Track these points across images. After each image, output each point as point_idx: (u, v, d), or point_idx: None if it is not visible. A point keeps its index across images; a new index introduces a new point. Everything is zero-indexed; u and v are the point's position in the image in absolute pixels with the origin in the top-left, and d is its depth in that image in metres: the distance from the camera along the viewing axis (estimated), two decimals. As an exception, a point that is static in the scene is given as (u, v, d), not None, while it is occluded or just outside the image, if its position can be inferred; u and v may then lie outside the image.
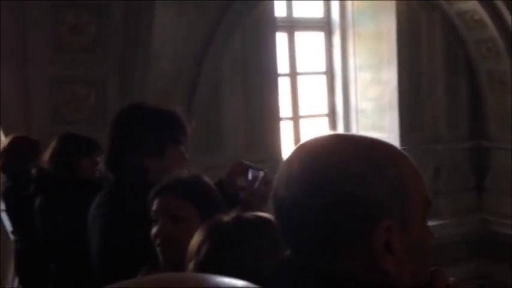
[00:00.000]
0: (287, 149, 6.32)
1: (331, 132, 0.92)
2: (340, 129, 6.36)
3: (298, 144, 0.88)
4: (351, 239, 0.80)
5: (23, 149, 3.45)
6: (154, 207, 1.51)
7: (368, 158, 0.82)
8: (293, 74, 6.35)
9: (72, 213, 2.59)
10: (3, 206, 4.48)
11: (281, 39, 6.01)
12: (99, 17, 3.71)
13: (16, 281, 4.69)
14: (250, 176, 1.88)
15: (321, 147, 0.85)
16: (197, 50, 4.62)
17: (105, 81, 3.96)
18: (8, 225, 4.14)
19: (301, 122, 6.51)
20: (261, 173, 1.88)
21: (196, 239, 1.18)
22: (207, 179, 1.59)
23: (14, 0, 3.51)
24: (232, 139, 5.71)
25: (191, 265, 1.14)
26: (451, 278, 0.88)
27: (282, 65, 6.06)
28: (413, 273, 0.82)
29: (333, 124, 6.51)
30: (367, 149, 0.84)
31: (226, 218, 1.22)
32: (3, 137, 3.99)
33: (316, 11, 6.38)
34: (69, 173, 2.72)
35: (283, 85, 6.15)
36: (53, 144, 2.80)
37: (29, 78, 3.75)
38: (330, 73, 6.46)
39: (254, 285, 0.48)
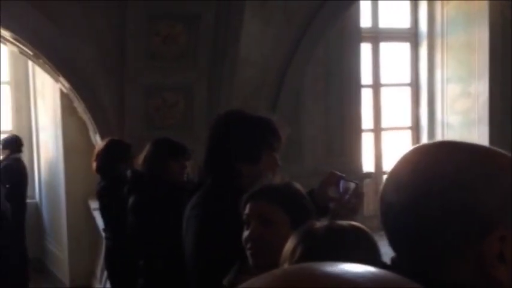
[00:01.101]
0: (367, 161, 6.22)
1: (445, 139, 0.91)
2: (425, 143, 6.17)
3: (410, 149, 0.88)
4: (460, 247, 0.79)
5: (116, 151, 3.65)
6: (246, 211, 1.55)
7: (482, 167, 0.81)
8: (376, 85, 6.26)
9: (162, 212, 2.72)
10: (97, 205, 4.74)
11: (365, 49, 5.95)
12: (190, 28, 3.86)
13: (104, 276, 4.94)
14: (341, 187, 1.88)
15: (433, 154, 0.85)
16: (282, 59, 4.68)
17: (193, 88, 4.10)
18: (100, 223, 4.39)
19: (383, 134, 6.39)
20: (353, 185, 1.87)
21: (290, 242, 1.20)
22: (298, 186, 1.60)
23: (114, 13, 3.74)
24: (311, 149, 5.71)
25: (285, 266, 1.16)
26: None
27: (365, 75, 6.00)
28: None
29: (417, 137, 6.33)
30: (481, 157, 0.83)
31: (321, 223, 1.23)
32: (99, 140, 4.24)
33: (402, 22, 6.27)
34: (160, 175, 2.84)
35: (366, 96, 6.08)
36: (146, 148, 2.94)
37: (124, 85, 3.97)
38: (415, 85, 6.30)
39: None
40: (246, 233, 1.54)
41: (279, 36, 4.52)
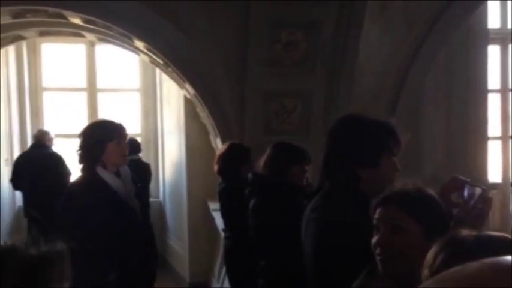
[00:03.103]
0: (493, 170, 5.83)
1: None
2: (561, 152, 5.65)
3: None
4: None
5: (237, 155, 3.79)
6: (376, 215, 1.52)
7: None
8: (505, 90, 5.87)
9: (282, 215, 2.78)
10: (215, 206, 4.94)
11: (493, 52, 5.61)
12: (310, 35, 3.91)
13: (222, 274, 5.14)
14: (466, 192, 1.80)
15: None
16: (402, 64, 4.57)
17: (312, 94, 4.14)
18: (219, 223, 4.58)
19: (512, 142, 5.96)
20: (479, 190, 1.78)
21: (433, 250, 1.17)
22: (431, 192, 1.54)
23: (238, 22, 3.91)
24: (431, 156, 5.49)
25: (426, 272, 1.13)
26: None
27: (493, 79, 5.65)
28: None
29: (552, 146, 5.82)
30: None
31: (468, 232, 1.18)
32: (219, 144, 4.44)
33: (536, 21, 5.81)
34: (280, 178, 2.91)
35: (493, 101, 5.73)
36: (267, 152, 3.02)
37: (245, 91, 4.12)
38: (550, 89, 5.81)
39: None
40: (374, 238, 1.51)
41: (399, 42, 4.42)
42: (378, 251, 1.48)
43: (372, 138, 1.88)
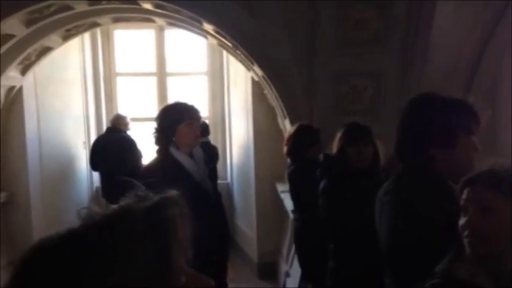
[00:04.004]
0: None
1: None
2: None
3: None
4: None
5: (306, 136, 3.79)
6: (464, 196, 1.48)
7: None
8: None
9: (352, 197, 2.76)
10: (283, 188, 4.97)
11: None
12: (382, 12, 3.80)
13: (290, 255, 5.18)
14: None
15: None
16: (478, 42, 4.36)
17: (383, 74, 4.04)
18: (288, 204, 4.61)
19: None
20: None
21: None
22: None
23: (307, 1, 3.87)
24: (509, 139, 5.24)
25: None
26: None
27: None
28: None
29: None
30: None
31: None
32: (287, 126, 4.44)
33: None
34: (350, 160, 2.87)
35: None
36: (338, 132, 2.99)
37: (314, 71, 4.08)
38: None
39: None
40: (462, 220, 1.47)
41: (474, 18, 4.21)
42: (466, 233, 1.45)
43: (446, 118, 1.81)
